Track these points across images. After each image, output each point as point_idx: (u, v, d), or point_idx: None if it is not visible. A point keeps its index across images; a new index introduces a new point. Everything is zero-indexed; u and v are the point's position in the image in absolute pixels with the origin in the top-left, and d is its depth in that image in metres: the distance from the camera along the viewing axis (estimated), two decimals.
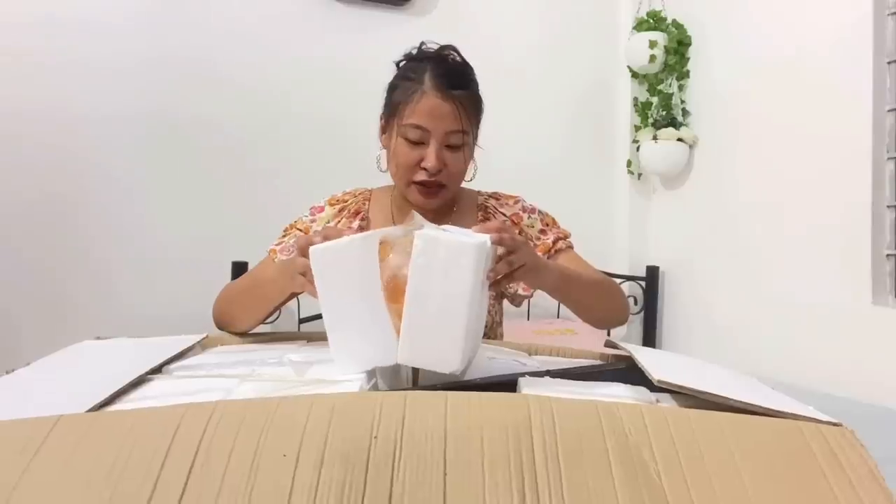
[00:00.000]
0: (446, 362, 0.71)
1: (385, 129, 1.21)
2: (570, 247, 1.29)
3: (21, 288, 1.93)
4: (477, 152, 1.25)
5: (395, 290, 0.74)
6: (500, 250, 0.85)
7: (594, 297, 1.15)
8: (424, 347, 0.72)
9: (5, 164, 1.92)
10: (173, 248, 2.09)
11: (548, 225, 1.29)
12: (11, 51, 1.92)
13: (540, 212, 1.31)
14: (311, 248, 0.75)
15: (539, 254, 0.92)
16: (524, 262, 0.87)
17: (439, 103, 1.10)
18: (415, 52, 1.18)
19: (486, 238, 0.77)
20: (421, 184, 1.15)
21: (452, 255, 0.71)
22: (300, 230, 1.26)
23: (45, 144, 1.96)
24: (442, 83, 1.10)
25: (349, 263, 0.74)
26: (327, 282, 0.75)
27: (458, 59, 1.16)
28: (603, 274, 1.26)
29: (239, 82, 2.17)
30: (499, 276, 0.84)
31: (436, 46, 1.17)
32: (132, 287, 2.04)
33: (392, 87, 1.18)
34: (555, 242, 1.26)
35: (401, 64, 1.19)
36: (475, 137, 1.21)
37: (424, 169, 1.13)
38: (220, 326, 1.18)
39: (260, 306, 1.08)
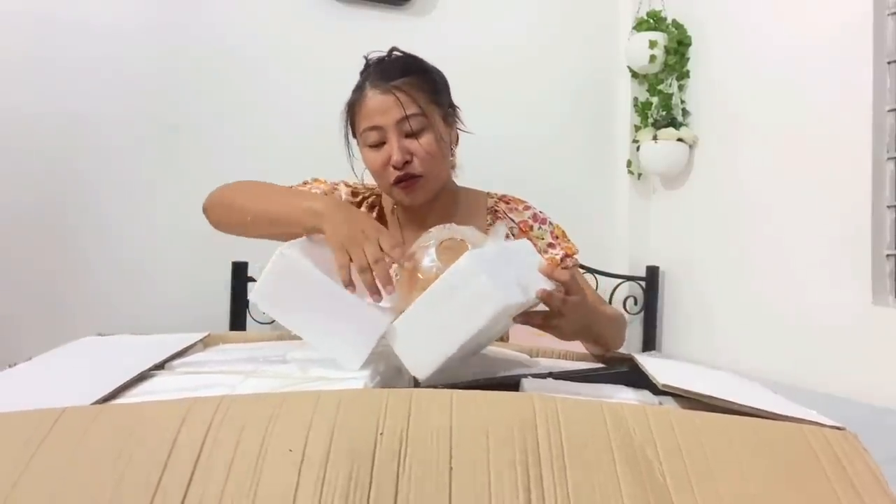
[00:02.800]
0: (417, 367, 0.73)
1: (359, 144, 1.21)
2: (577, 265, 1.27)
3: (20, 290, 1.92)
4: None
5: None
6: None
7: (604, 338, 1.10)
8: (408, 342, 0.73)
9: (3, 165, 1.92)
10: (173, 249, 2.08)
11: (557, 238, 1.27)
12: (10, 51, 1.92)
13: (550, 223, 1.29)
14: (254, 299, 0.74)
15: (580, 311, 0.89)
16: (562, 328, 0.87)
17: (380, 99, 1.10)
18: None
19: (525, 301, 0.77)
20: (398, 182, 1.13)
21: (478, 296, 0.70)
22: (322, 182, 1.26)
23: (44, 145, 1.96)
24: (378, 80, 1.11)
25: (291, 287, 0.74)
26: (287, 312, 0.74)
27: (398, 54, 1.17)
28: (609, 306, 1.22)
29: (238, 82, 2.17)
30: (530, 322, 0.83)
31: (380, 54, 1.17)
32: (132, 288, 2.04)
33: (346, 105, 1.20)
34: (563, 259, 1.23)
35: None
36: (446, 117, 1.18)
37: (394, 168, 1.11)
38: (212, 221, 1.15)
39: (266, 231, 1.02)
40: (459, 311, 0.71)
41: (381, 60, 1.16)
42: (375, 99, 1.10)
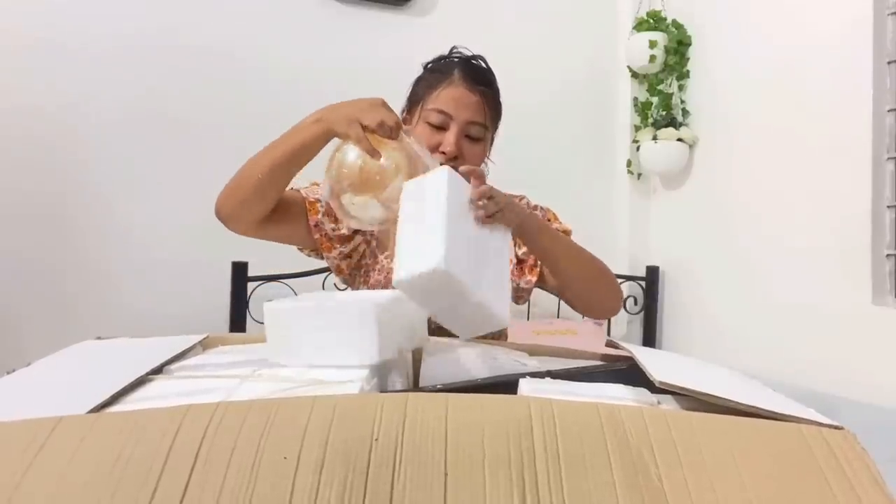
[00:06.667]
0: (432, 258, 0.74)
1: (406, 121, 1.23)
2: None
3: (21, 287, 1.93)
4: None
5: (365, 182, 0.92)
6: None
7: (580, 266, 1.17)
8: (413, 257, 0.77)
9: (4, 162, 1.92)
10: (173, 248, 2.09)
11: (549, 220, 1.31)
12: (10, 48, 1.92)
13: (542, 208, 1.33)
14: (272, 358, 0.76)
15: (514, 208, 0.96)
16: (499, 205, 0.92)
17: (465, 93, 1.15)
18: (445, 54, 1.25)
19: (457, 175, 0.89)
20: None
21: (432, 183, 0.85)
22: None
23: (45, 143, 1.96)
24: (469, 76, 1.16)
25: (290, 329, 0.76)
26: (297, 352, 0.76)
27: (484, 65, 1.23)
28: (586, 250, 1.25)
29: (239, 82, 2.18)
30: (487, 214, 0.89)
31: (468, 53, 1.24)
32: (132, 287, 2.05)
33: (418, 80, 1.23)
34: None
35: (429, 65, 1.24)
36: (491, 141, 1.25)
37: (442, 153, 1.15)
38: (226, 209, 1.16)
39: (282, 164, 1.10)
40: (426, 201, 0.83)
41: (471, 62, 1.21)
42: (461, 90, 1.15)
